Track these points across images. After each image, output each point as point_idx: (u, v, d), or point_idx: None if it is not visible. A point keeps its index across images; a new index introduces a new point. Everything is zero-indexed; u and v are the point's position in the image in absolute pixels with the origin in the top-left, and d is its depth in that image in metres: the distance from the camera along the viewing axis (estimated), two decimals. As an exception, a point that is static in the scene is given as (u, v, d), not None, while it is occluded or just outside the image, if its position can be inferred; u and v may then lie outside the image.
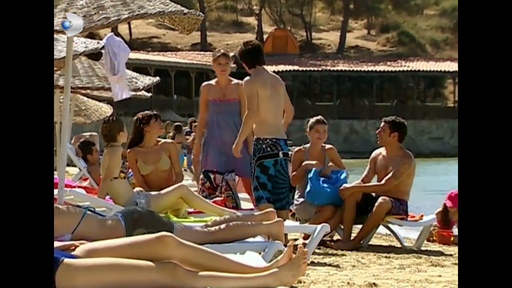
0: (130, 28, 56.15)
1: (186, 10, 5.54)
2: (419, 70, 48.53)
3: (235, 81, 8.43)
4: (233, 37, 57.68)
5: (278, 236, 5.03)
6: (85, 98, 14.17)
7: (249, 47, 7.71)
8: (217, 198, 7.74)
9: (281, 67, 45.48)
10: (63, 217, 4.55)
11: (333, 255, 7.44)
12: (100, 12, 5.33)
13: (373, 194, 8.26)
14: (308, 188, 8.28)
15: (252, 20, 61.88)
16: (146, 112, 8.03)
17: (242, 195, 8.45)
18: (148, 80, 10.81)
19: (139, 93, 12.02)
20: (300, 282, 5.40)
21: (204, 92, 8.51)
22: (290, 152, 8.80)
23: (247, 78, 7.65)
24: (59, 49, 7.61)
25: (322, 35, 61.89)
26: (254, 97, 7.54)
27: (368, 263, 6.81)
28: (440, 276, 5.99)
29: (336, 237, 8.54)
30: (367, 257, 7.23)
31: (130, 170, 8.79)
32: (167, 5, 5.48)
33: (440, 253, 7.76)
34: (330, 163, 8.60)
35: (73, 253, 3.80)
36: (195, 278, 3.73)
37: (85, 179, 12.01)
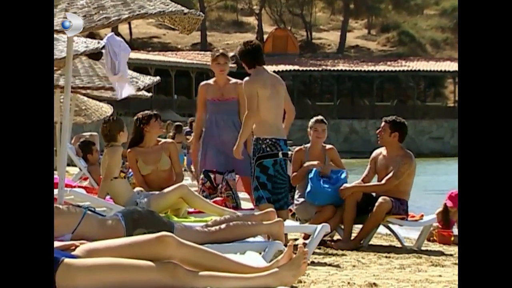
0: (130, 28, 56.15)
1: (186, 10, 5.54)
2: (419, 70, 48.53)
3: (233, 80, 8.44)
4: (233, 37, 57.68)
5: (278, 236, 5.03)
6: (86, 98, 14.16)
7: (248, 47, 7.71)
8: (217, 198, 7.74)
9: (281, 67, 45.48)
10: (63, 217, 4.55)
11: (334, 255, 7.44)
12: (101, 12, 5.33)
13: (374, 194, 8.26)
14: (308, 188, 8.29)
15: (252, 20, 61.88)
16: (146, 112, 8.03)
17: (242, 195, 8.45)
18: (148, 79, 10.80)
19: (139, 93, 12.01)
20: (301, 282, 5.40)
21: (202, 92, 8.51)
22: (290, 152, 8.81)
23: (247, 78, 7.65)
24: (60, 49, 7.61)
25: (322, 35, 61.89)
26: (254, 97, 7.54)
27: (369, 263, 6.81)
28: (440, 276, 5.99)
29: (337, 237, 8.54)
30: (368, 257, 7.23)
31: (130, 170, 8.79)
32: (168, 5, 5.48)
33: (441, 253, 7.76)
34: (330, 163, 8.61)
35: (73, 253, 3.80)
36: (195, 278, 3.73)
37: (85, 179, 12.01)
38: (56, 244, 3.80)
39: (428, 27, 62.79)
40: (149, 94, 15.98)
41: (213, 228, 4.89)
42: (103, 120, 8.13)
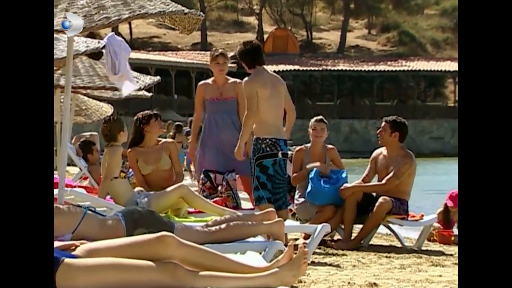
0: (130, 28, 56.15)
1: (186, 10, 5.54)
2: (419, 70, 48.53)
3: (231, 79, 8.45)
4: (233, 37, 57.68)
5: (278, 236, 5.03)
6: (86, 98, 14.16)
7: (248, 47, 7.71)
8: (218, 198, 7.74)
9: (282, 67, 45.48)
10: (63, 217, 4.55)
11: (334, 255, 7.44)
12: (101, 12, 5.33)
13: (374, 194, 8.26)
14: (309, 188, 8.29)
15: (252, 20, 61.87)
16: (146, 112, 8.03)
17: (242, 194, 8.45)
18: (148, 79, 10.80)
19: (139, 92, 12.01)
20: (301, 282, 5.40)
21: (201, 91, 8.52)
22: (290, 152, 8.81)
23: (247, 78, 7.65)
24: (61, 49, 7.60)
25: (323, 34, 61.89)
26: (254, 97, 7.53)
27: (369, 263, 6.81)
28: (440, 276, 5.99)
29: (337, 237, 8.54)
30: (368, 257, 7.23)
31: (130, 170, 8.79)
32: (168, 5, 5.47)
33: (441, 253, 7.76)
34: (330, 163, 8.61)
35: (73, 253, 3.80)
36: (195, 278, 3.73)
37: (86, 179, 12.01)
38: (56, 244, 3.80)
39: (429, 27, 62.79)
40: (149, 94, 15.97)
41: (213, 228, 4.89)
42: (103, 120, 8.13)
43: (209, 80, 8.59)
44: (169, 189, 7.21)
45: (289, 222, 6.79)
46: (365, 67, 48.90)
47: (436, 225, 8.77)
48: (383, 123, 8.30)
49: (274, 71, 8.66)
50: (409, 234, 9.42)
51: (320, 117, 8.81)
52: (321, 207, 8.27)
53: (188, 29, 5.99)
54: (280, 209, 7.57)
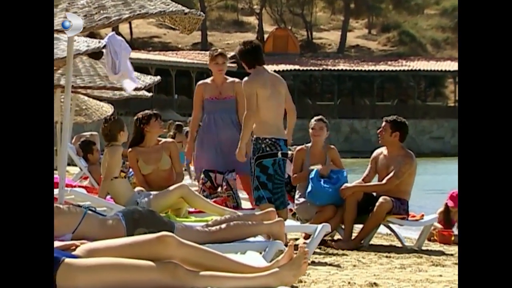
0: (131, 28, 56.15)
1: (187, 10, 5.54)
2: (419, 70, 48.54)
3: (230, 79, 8.46)
4: (233, 37, 57.68)
5: (279, 235, 5.03)
6: (86, 98, 14.17)
7: (248, 47, 7.70)
8: (218, 198, 7.74)
9: (282, 67, 45.49)
10: (63, 217, 4.55)
11: (334, 254, 7.43)
12: (101, 11, 5.33)
13: (374, 194, 8.26)
14: (309, 188, 8.29)
15: (252, 20, 61.87)
16: (146, 111, 8.03)
17: (242, 194, 8.45)
18: (149, 79, 10.80)
19: (139, 92, 12.02)
20: (301, 281, 5.40)
21: (200, 91, 8.53)
22: (290, 152, 8.80)
23: (246, 78, 7.65)
24: (62, 49, 7.60)
25: (323, 34, 61.89)
26: (254, 97, 7.53)
27: (369, 263, 6.81)
28: (441, 275, 5.99)
29: (337, 236, 8.54)
30: (368, 256, 7.23)
31: (131, 170, 8.79)
32: (168, 5, 5.47)
33: (441, 253, 7.75)
34: (330, 163, 8.61)
35: (73, 253, 3.80)
36: (196, 278, 3.73)
37: (86, 178, 12.01)
38: (57, 244, 3.80)
39: (429, 27, 62.79)
40: (150, 94, 15.98)
41: (213, 228, 4.89)
42: (103, 120, 8.13)
43: (208, 80, 8.60)
44: (169, 189, 7.21)
45: (289, 222, 6.79)
46: (365, 67, 48.91)
47: (437, 225, 8.78)
48: (384, 123, 8.30)
49: (275, 71, 8.66)
50: (409, 234, 9.42)
51: (319, 116, 8.82)
52: (322, 207, 8.27)
53: (188, 29, 5.99)
54: (278, 209, 7.58)
